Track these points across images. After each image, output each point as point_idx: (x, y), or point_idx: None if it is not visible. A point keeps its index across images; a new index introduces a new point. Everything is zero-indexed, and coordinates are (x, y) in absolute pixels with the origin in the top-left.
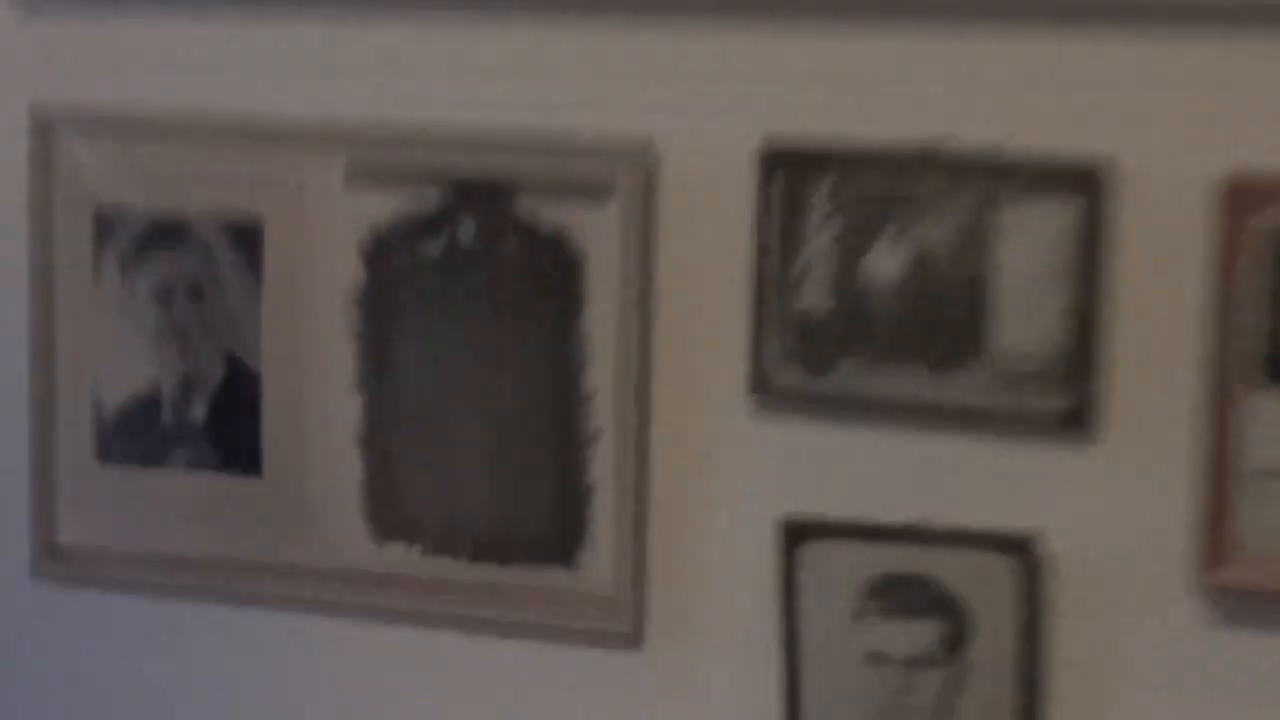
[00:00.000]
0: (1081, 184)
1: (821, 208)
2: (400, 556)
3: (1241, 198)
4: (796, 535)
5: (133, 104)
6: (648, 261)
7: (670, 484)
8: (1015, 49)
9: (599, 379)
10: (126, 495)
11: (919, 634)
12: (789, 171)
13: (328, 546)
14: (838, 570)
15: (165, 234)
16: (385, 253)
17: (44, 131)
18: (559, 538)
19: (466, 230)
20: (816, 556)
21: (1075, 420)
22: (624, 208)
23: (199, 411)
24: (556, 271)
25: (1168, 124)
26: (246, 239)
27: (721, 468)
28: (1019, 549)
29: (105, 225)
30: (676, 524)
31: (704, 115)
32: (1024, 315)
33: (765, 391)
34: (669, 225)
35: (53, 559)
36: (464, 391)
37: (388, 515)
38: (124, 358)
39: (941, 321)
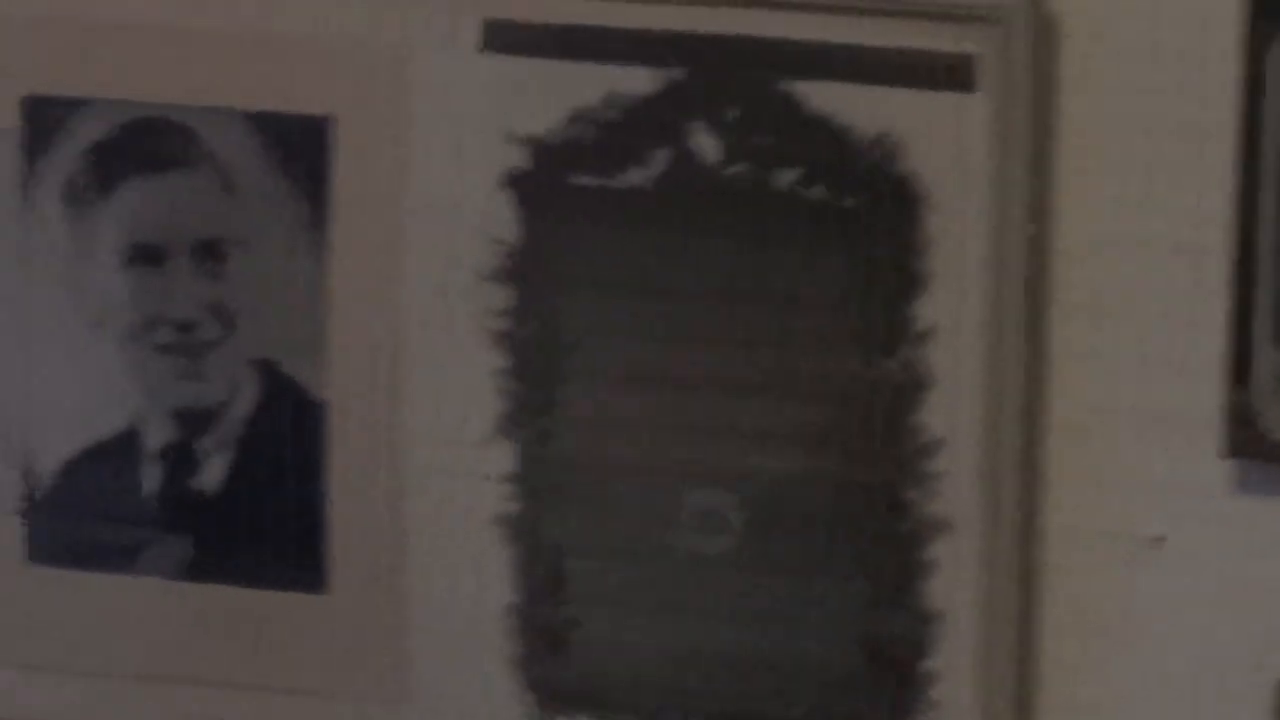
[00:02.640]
0: None
1: None
2: None
3: None
4: None
5: None
6: (1040, 194)
7: (1076, 622)
8: None
9: (948, 424)
10: (73, 623)
11: None
12: None
13: None
14: None
15: (151, 145)
16: (553, 180)
17: None
18: (873, 714)
19: (705, 140)
20: None
21: None
22: (993, 96)
23: (211, 475)
24: (872, 216)
25: None
26: (300, 155)
27: (1177, 590)
28: None
29: (41, 127)
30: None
31: None
32: None
33: (1254, 450)
34: (1071, 132)
35: None
36: (697, 439)
37: (559, 670)
38: (72, 375)
39: None
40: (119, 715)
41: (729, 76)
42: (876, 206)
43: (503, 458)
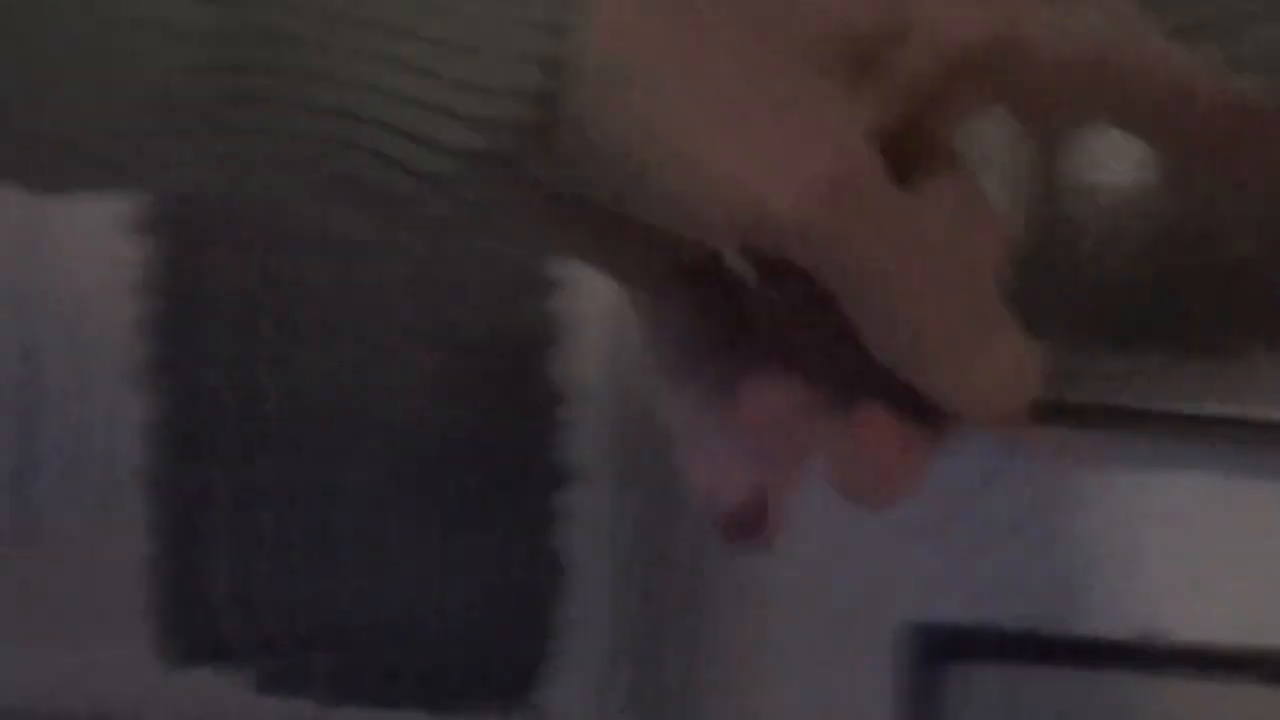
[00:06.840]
0: None
1: None
2: (209, 694)
3: None
4: (937, 650)
5: None
6: None
7: (709, 565)
8: None
9: (579, 373)
10: None
11: None
12: None
13: (77, 673)
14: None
15: None
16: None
17: None
18: (502, 662)
19: None
20: (966, 683)
21: None
22: None
23: None
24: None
25: None
26: None
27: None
28: None
29: None
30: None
31: None
32: None
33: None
34: None
35: None
36: (340, 383)
37: (191, 622)
38: None
39: None
40: None
41: None
42: None
43: None
